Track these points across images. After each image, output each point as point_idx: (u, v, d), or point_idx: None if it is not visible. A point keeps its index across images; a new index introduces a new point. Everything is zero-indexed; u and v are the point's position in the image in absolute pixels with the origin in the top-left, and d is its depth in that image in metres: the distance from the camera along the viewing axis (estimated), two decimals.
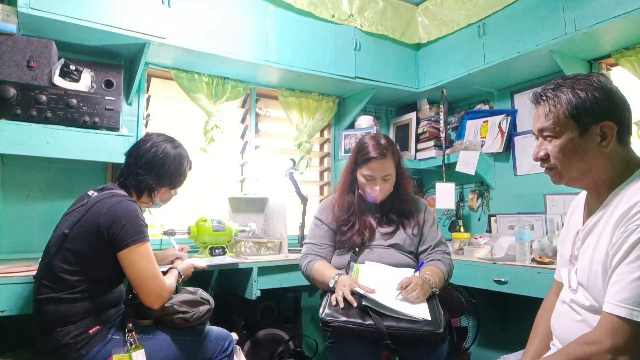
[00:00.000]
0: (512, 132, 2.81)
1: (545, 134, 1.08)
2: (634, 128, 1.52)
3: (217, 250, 2.12)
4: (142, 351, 1.38)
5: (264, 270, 2.13)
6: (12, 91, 1.80)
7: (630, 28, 2.04)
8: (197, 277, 2.07)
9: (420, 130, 3.20)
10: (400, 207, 1.80)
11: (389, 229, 1.78)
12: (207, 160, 2.63)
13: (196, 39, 2.24)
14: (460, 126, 3.11)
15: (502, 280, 2.08)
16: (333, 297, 1.50)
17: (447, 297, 1.77)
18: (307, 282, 1.82)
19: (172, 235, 2.03)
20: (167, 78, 2.57)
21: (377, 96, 3.07)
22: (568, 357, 0.95)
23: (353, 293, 1.48)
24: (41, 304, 1.38)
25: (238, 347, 1.77)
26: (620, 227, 0.95)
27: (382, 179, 1.72)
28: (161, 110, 2.61)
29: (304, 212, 2.63)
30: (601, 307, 0.95)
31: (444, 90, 2.92)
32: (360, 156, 1.75)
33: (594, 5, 2.06)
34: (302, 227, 2.62)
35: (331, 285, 1.58)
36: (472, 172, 2.77)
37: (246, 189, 2.82)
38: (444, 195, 2.83)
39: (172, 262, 1.82)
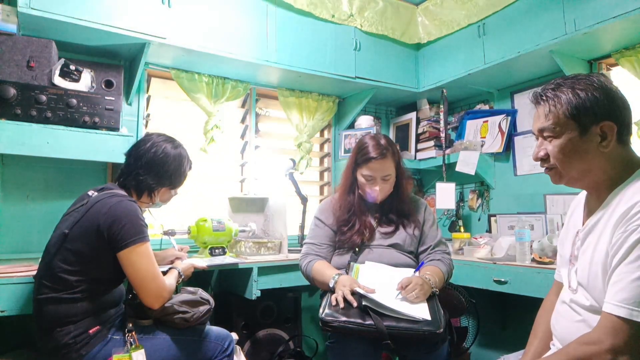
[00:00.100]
0: (512, 132, 2.82)
1: (545, 134, 1.08)
2: (634, 128, 1.52)
3: (217, 250, 2.12)
4: (142, 351, 1.38)
5: (264, 270, 2.13)
6: (12, 91, 1.80)
7: (630, 28, 2.04)
8: (197, 277, 2.07)
9: (420, 130, 3.20)
10: (400, 207, 1.80)
11: (389, 229, 1.78)
12: (207, 160, 2.63)
13: (196, 39, 2.24)
14: (460, 126, 3.11)
15: (502, 280, 2.08)
16: (333, 297, 1.50)
17: (447, 297, 1.78)
18: (307, 282, 1.82)
19: (172, 235, 2.03)
20: (167, 78, 2.57)
21: (377, 96, 3.07)
22: (568, 357, 0.95)
23: (353, 293, 1.48)
24: (41, 304, 1.38)
25: (238, 347, 1.77)
26: (620, 227, 0.95)
27: (382, 179, 1.73)
28: (161, 110, 2.61)
29: (304, 212, 2.63)
30: (601, 307, 0.95)
31: (444, 90, 2.92)
32: (360, 156, 1.75)
33: (594, 5, 2.06)
34: (302, 227, 2.62)
35: (331, 285, 1.58)
36: (472, 172, 2.77)
37: (246, 189, 2.82)
38: (445, 195, 2.83)
39: (172, 262, 1.82)
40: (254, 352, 2.32)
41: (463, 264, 2.27)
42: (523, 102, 2.78)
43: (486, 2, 2.56)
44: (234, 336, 1.69)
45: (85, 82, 2.05)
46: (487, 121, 2.93)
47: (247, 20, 2.42)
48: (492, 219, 2.85)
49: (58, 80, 1.95)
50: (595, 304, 1.01)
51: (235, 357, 1.66)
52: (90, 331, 1.38)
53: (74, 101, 1.93)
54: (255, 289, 2.09)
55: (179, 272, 1.63)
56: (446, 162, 2.91)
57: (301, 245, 2.00)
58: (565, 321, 1.10)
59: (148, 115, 2.54)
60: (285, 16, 2.55)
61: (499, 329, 2.75)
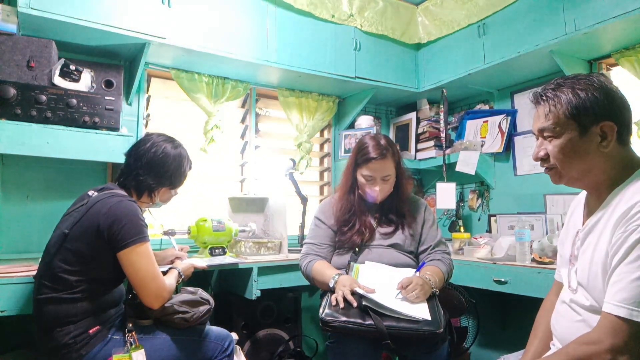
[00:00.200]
0: (512, 132, 2.82)
1: (545, 134, 1.08)
2: (634, 128, 1.52)
3: (217, 250, 2.12)
4: (142, 351, 1.38)
5: (264, 270, 2.13)
6: (12, 91, 1.80)
7: (630, 28, 2.04)
8: (197, 277, 2.07)
9: (420, 130, 3.21)
10: (400, 207, 1.80)
11: (389, 229, 1.78)
12: (207, 160, 2.63)
13: (196, 39, 2.24)
14: (460, 126, 3.10)
15: (502, 280, 2.08)
16: (333, 297, 1.50)
17: (447, 297, 1.78)
18: (307, 282, 1.82)
19: (172, 235, 2.03)
20: (167, 78, 2.57)
21: (377, 96, 3.07)
22: (568, 357, 0.95)
23: (353, 293, 1.48)
24: (41, 304, 1.38)
25: (238, 347, 1.77)
26: (620, 227, 0.95)
27: (382, 179, 1.73)
28: (161, 110, 2.61)
29: (304, 212, 2.63)
30: (601, 307, 0.95)
31: (444, 90, 2.92)
32: (360, 156, 1.75)
33: (594, 5, 2.06)
34: (302, 227, 2.62)
35: (331, 285, 1.58)
36: (472, 172, 2.77)
37: (246, 189, 2.82)
38: (445, 195, 2.83)
39: (172, 262, 1.82)
40: (254, 352, 2.32)
41: (463, 264, 2.27)
42: (523, 102, 2.78)
43: (486, 2, 2.56)
44: (234, 336, 1.69)
45: (85, 82, 2.05)
46: (487, 121, 2.93)
47: (247, 20, 2.42)
48: (492, 219, 2.85)
49: (58, 80, 1.95)
50: (595, 303, 1.01)
51: (235, 357, 1.66)
52: (90, 331, 1.38)
53: (74, 101, 1.92)
54: (255, 289, 2.09)
55: (179, 272, 1.63)
56: (446, 162, 2.91)
57: (301, 245, 2.00)
58: (565, 321, 1.10)
59: (148, 115, 2.54)
60: (285, 16, 2.55)
61: (499, 329, 2.75)
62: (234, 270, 2.15)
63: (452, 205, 2.86)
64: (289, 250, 2.37)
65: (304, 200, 2.62)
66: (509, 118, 2.81)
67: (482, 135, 2.93)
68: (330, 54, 2.69)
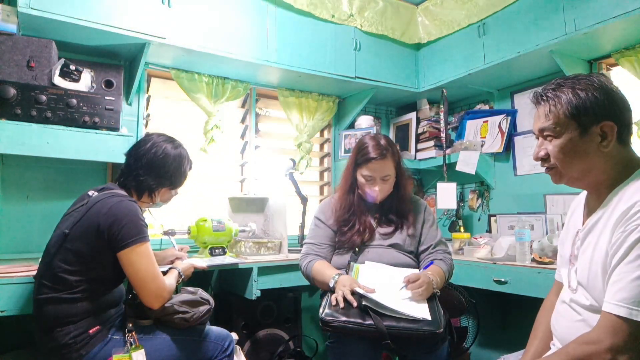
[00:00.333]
0: (512, 132, 2.82)
1: (545, 133, 1.08)
2: (634, 128, 1.52)
3: (217, 250, 2.12)
4: (142, 351, 1.38)
5: (264, 270, 2.13)
6: (12, 91, 1.80)
7: (630, 28, 2.04)
8: (197, 277, 2.07)
9: (420, 130, 3.21)
10: (400, 207, 1.80)
11: (389, 229, 1.78)
12: (207, 160, 2.63)
13: (196, 39, 2.24)
14: (460, 126, 3.11)
15: (502, 280, 2.08)
16: (333, 297, 1.50)
17: (447, 297, 1.78)
18: (307, 282, 1.82)
19: (172, 235, 2.03)
20: (167, 78, 2.57)
21: (377, 96, 3.07)
22: (568, 356, 0.95)
23: (353, 293, 1.48)
24: (41, 304, 1.38)
25: (238, 347, 1.77)
26: (620, 227, 0.95)
27: (382, 179, 1.73)
28: (161, 110, 2.61)
29: (304, 212, 2.63)
30: (601, 307, 0.95)
31: (444, 90, 2.92)
32: (360, 156, 1.75)
33: (594, 5, 2.06)
34: (302, 227, 2.62)
35: (331, 285, 1.58)
36: (472, 172, 2.77)
37: (246, 189, 2.82)
38: (446, 195, 2.83)
39: (172, 262, 1.82)
40: (254, 352, 2.32)
41: (463, 264, 2.27)
42: (523, 102, 2.78)
43: (486, 2, 2.56)
44: (234, 336, 1.69)
45: (85, 82, 2.05)
46: (487, 121, 2.93)
47: (247, 20, 2.42)
48: (492, 219, 2.85)
49: (58, 80, 1.95)
50: (595, 303, 1.01)
51: (235, 357, 1.66)
52: (90, 331, 1.38)
53: (74, 101, 1.92)
54: (255, 289, 2.09)
55: (179, 272, 1.63)
56: (447, 162, 2.91)
57: (301, 245, 2.00)
58: (565, 321, 1.10)
59: (148, 115, 2.54)
60: (285, 16, 2.55)
61: (499, 329, 2.75)
62: (234, 270, 2.15)
63: (453, 205, 2.86)
64: (289, 250, 2.37)
65: (304, 200, 2.62)
66: (509, 118, 2.81)
67: (482, 135, 2.93)
68: (330, 54, 2.69)
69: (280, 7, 2.53)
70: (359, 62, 2.79)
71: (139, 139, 1.73)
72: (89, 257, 1.39)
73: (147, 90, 2.54)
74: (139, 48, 2.20)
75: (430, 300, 1.52)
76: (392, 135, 3.39)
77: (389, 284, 1.54)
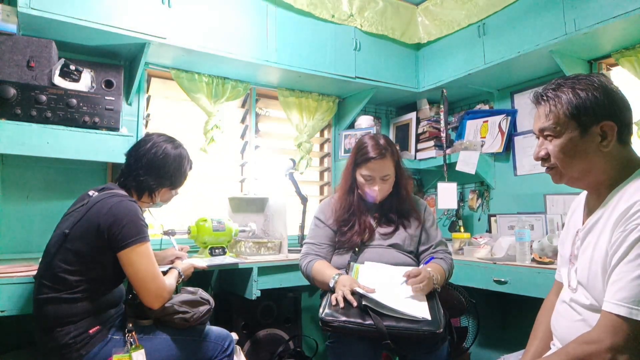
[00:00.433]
0: (512, 132, 2.82)
1: (545, 133, 1.08)
2: (634, 128, 1.52)
3: (217, 250, 2.12)
4: (142, 351, 1.38)
5: (264, 270, 2.13)
6: (12, 91, 1.80)
7: (630, 28, 2.04)
8: (197, 277, 2.07)
9: (420, 130, 3.21)
10: (399, 207, 1.80)
11: (389, 229, 1.78)
12: (207, 160, 2.63)
13: (196, 39, 2.24)
14: (460, 126, 3.11)
15: (502, 280, 2.08)
16: (333, 297, 1.50)
17: (447, 297, 1.77)
18: (307, 282, 1.82)
19: (172, 235, 2.03)
20: (167, 78, 2.57)
21: (377, 96, 3.07)
22: (568, 356, 0.95)
23: (353, 293, 1.48)
24: (41, 304, 1.38)
25: (238, 347, 1.77)
26: (620, 226, 0.95)
27: (381, 179, 1.73)
28: (161, 110, 2.61)
29: (304, 212, 2.63)
30: (601, 306, 0.95)
31: (444, 90, 2.92)
32: (359, 156, 1.75)
33: (594, 5, 2.06)
34: (302, 227, 2.62)
35: (331, 285, 1.58)
36: (473, 172, 2.77)
37: (246, 189, 2.82)
38: (446, 195, 2.83)
39: (172, 262, 1.82)
40: (254, 352, 2.32)
41: (463, 264, 2.27)
42: (523, 102, 2.78)
43: (486, 2, 2.56)
44: (234, 336, 1.69)
45: (85, 82, 2.05)
46: (487, 121, 2.93)
47: (247, 20, 2.42)
48: (492, 219, 2.85)
49: (58, 80, 1.95)
50: (595, 303, 1.01)
51: (235, 357, 1.66)
52: (90, 331, 1.38)
53: (74, 101, 1.92)
54: (255, 289, 2.09)
55: (179, 272, 1.63)
56: (447, 162, 2.91)
57: (301, 245, 2.00)
58: (565, 321, 1.10)
59: (148, 115, 2.54)
60: (285, 16, 2.55)
61: (499, 329, 2.75)
62: (234, 270, 2.15)
63: (454, 205, 2.86)
64: (289, 250, 2.37)
65: (304, 200, 2.62)
66: (509, 118, 2.81)
67: (482, 135, 2.93)
68: (330, 54, 2.69)
69: (280, 7, 2.53)
70: (359, 62, 2.79)
71: (139, 139, 1.73)
72: (89, 257, 1.39)
73: (147, 90, 2.54)
74: (139, 48, 2.20)
75: (431, 299, 1.52)
76: (392, 135, 3.39)
77: (389, 284, 1.54)
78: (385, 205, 1.80)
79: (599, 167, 1.04)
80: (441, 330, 1.39)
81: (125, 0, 2.07)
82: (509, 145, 2.83)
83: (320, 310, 1.50)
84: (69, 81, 1.99)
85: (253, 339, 2.34)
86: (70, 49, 2.18)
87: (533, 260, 2.07)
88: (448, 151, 2.94)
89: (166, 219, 2.28)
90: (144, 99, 2.49)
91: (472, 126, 3.00)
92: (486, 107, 3.02)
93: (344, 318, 1.41)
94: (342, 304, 1.45)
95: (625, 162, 1.04)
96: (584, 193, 1.17)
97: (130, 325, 1.45)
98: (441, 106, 2.97)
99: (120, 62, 2.38)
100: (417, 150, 3.21)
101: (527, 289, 1.98)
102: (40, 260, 1.47)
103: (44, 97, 1.86)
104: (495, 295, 2.27)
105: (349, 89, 2.97)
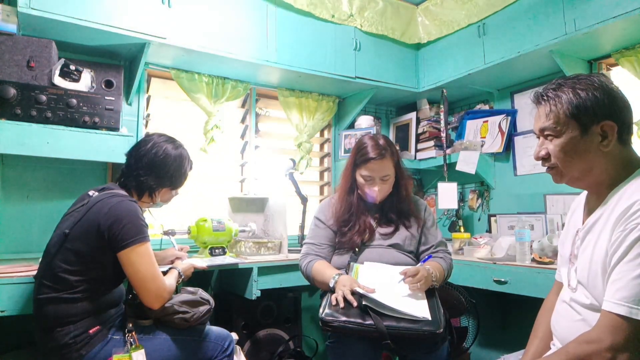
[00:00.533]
0: (512, 132, 2.82)
1: (546, 133, 1.08)
2: (634, 128, 1.52)
3: (217, 250, 2.12)
4: (142, 351, 1.38)
5: (264, 270, 2.13)
6: (12, 91, 1.80)
7: (630, 28, 2.04)
8: (197, 277, 2.07)
9: (420, 130, 3.21)
10: (399, 207, 1.80)
11: (389, 229, 1.78)
12: (207, 160, 2.63)
13: (196, 39, 2.24)
14: (460, 126, 3.11)
15: (502, 280, 2.08)
16: (333, 297, 1.50)
17: (447, 297, 1.78)
18: (307, 282, 1.82)
19: (172, 235, 2.03)
20: (167, 78, 2.57)
21: (377, 96, 3.07)
22: (568, 356, 0.95)
23: (353, 293, 1.48)
24: (41, 304, 1.38)
25: (238, 347, 1.77)
26: (620, 226, 0.95)
27: (381, 179, 1.73)
28: (161, 110, 2.61)
29: (304, 212, 2.63)
30: (601, 306, 0.95)
31: (444, 90, 2.92)
32: (359, 157, 1.75)
33: (594, 5, 2.06)
34: (302, 227, 2.62)
35: (331, 285, 1.58)
36: (473, 172, 2.77)
37: (246, 189, 2.82)
38: (447, 195, 2.84)
39: (172, 262, 1.82)
40: (254, 352, 2.32)
41: (463, 264, 2.27)
42: (523, 102, 2.78)
43: (486, 2, 2.56)
44: (234, 336, 1.69)
45: (85, 82, 2.05)
46: (487, 121, 2.93)
47: (247, 20, 2.42)
48: (492, 219, 2.85)
49: (58, 80, 1.95)
50: (595, 302, 1.01)
51: (235, 357, 1.66)
52: (91, 331, 1.37)
53: (74, 101, 1.92)
54: (255, 289, 2.09)
55: (179, 272, 1.63)
56: (447, 162, 2.91)
57: (301, 245, 2.00)
58: (565, 320, 1.10)
59: (148, 115, 2.54)
60: (285, 16, 2.55)
61: (499, 329, 2.75)
62: (234, 270, 2.15)
63: (454, 205, 2.86)
64: (289, 250, 2.37)
65: (304, 200, 2.62)
66: (509, 118, 2.82)
67: (482, 135, 2.93)
68: (330, 54, 2.69)
69: (280, 7, 2.53)
70: (359, 62, 2.79)
71: (139, 139, 1.74)
72: (89, 257, 1.39)
73: (147, 90, 2.54)
74: (139, 48, 2.20)
75: (431, 299, 1.52)
76: (392, 136, 3.39)
77: (389, 284, 1.54)
78: (385, 205, 1.80)
79: (600, 167, 1.04)
80: (441, 330, 1.39)
81: (125, 0, 2.07)
82: (509, 145, 2.83)
83: (320, 310, 1.50)
84: (69, 81, 1.99)
85: (253, 339, 2.34)
86: (70, 49, 2.18)
87: (533, 260, 2.07)
88: (448, 151, 2.94)
89: (166, 219, 2.28)
90: (144, 99, 2.49)
91: (472, 126, 3.00)
92: (486, 107, 3.02)
93: (344, 318, 1.41)
94: (342, 304, 1.45)
95: (626, 161, 1.04)
96: (584, 193, 1.17)
97: (130, 325, 1.44)
98: (441, 106, 2.97)
99: (120, 62, 2.38)
100: (417, 150, 3.21)
101: (527, 289, 1.98)
102: (40, 260, 1.47)
103: (44, 97, 1.86)
104: (495, 295, 2.27)
105: (349, 89, 2.97)
